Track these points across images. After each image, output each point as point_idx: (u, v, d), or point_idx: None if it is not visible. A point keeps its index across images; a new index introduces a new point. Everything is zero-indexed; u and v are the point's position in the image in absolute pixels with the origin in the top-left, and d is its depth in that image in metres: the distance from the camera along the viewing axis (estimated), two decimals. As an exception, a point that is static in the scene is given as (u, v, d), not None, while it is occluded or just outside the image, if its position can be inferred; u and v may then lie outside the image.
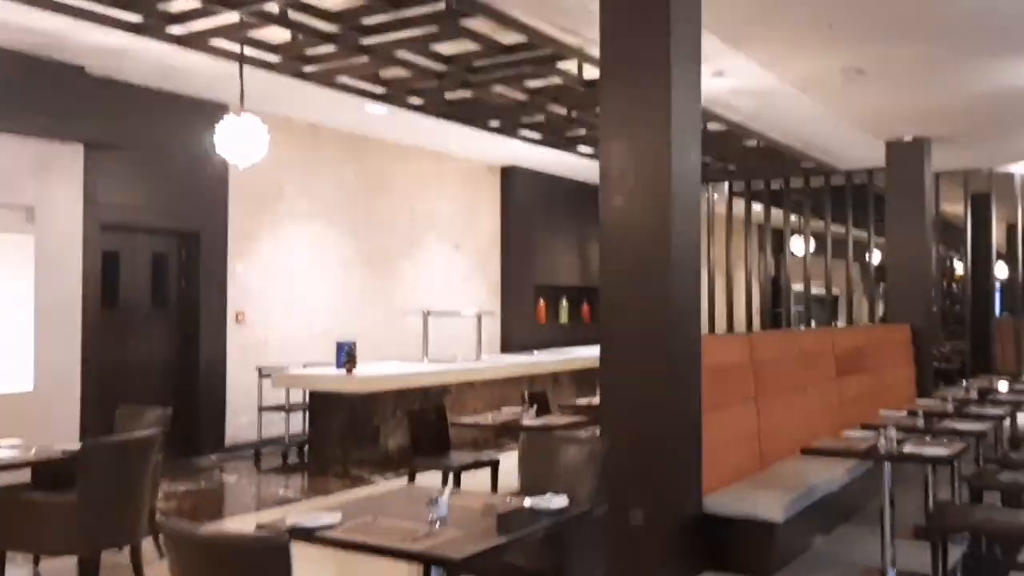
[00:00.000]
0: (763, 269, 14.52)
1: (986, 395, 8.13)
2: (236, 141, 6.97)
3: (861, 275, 17.21)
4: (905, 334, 10.30)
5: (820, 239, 13.86)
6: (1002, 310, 17.51)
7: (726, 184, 14.11)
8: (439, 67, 7.97)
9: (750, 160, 12.44)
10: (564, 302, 14.33)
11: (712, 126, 10.05)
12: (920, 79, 8.39)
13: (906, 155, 10.55)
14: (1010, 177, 12.84)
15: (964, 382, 9.31)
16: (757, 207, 14.26)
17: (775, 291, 16.29)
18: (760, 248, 14.39)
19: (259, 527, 3.20)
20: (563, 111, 9.57)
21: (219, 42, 7.32)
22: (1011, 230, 14.28)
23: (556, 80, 8.33)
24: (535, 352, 11.64)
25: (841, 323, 18.17)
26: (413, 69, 7.97)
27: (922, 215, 10.53)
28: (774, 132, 10.87)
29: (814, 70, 8.01)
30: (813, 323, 15.14)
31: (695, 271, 5.32)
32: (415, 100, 9.18)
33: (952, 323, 15.98)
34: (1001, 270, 16.61)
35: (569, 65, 7.82)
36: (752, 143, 11.16)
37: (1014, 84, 8.30)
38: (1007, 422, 7.52)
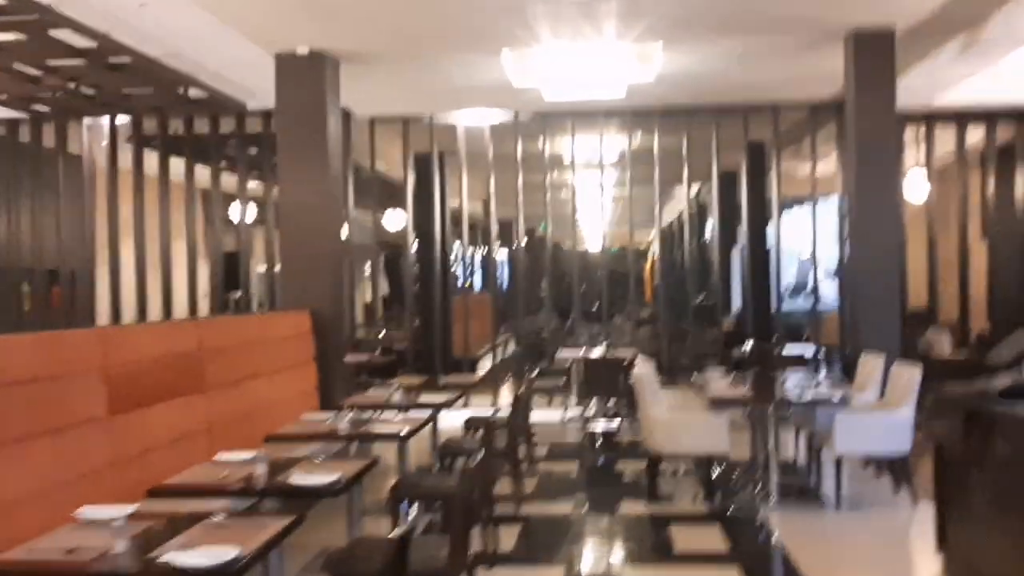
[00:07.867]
0: (209, 242, 10.59)
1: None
2: None
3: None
4: (301, 324, 7.39)
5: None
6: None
7: (105, 121, 10.19)
8: None
9: (107, 80, 8.54)
10: None
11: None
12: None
13: (301, 75, 7.60)
14: (452, 130, 10.61)
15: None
16: (156, 160, 10.53)
17: (230, 269, 12.44)
18: (204, 216, 10.43)
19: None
20: None
21: None
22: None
23: None
24: None
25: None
26: None
27: (326, 159, 7.68)
28: (117, 29, 7.23)
29: None
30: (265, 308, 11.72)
31: None
32: None
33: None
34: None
35: None
36: (85, 43, 7.32)
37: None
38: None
